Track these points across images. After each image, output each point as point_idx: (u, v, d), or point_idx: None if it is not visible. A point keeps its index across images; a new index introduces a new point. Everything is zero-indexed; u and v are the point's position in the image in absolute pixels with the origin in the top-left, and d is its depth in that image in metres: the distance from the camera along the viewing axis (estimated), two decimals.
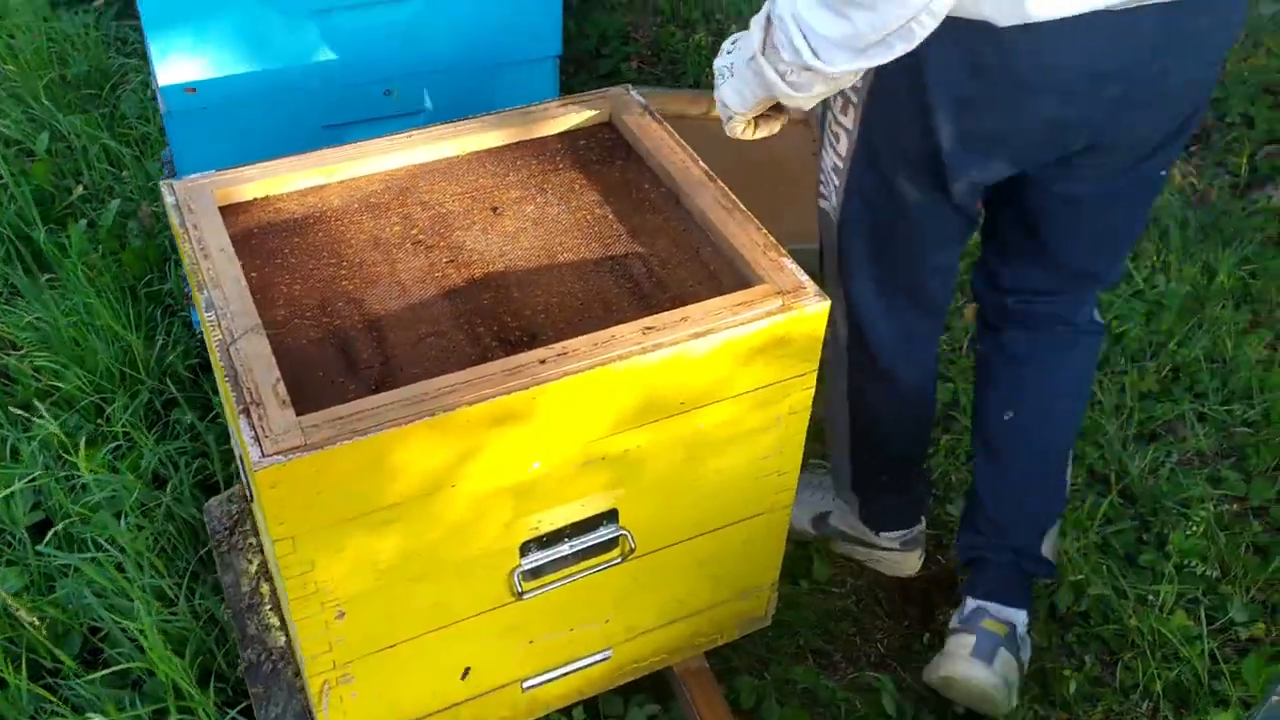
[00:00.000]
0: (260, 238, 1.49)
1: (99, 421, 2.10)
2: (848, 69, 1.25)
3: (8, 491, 1.85)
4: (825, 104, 1.55)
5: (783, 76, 1.31)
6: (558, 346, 1.31)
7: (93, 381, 2.11)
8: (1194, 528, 2.14)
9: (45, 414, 2.02)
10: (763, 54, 1.31)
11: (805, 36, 1.24)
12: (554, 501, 1.40)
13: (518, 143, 1.66)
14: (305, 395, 1.27)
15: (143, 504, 1.94)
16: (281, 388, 1.24)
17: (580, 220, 1.54)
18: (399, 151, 1.59)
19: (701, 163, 1.58)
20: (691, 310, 1.36)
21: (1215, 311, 2.57)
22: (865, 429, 1.81)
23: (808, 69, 1.27)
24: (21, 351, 2.16)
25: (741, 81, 1.41)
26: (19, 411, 2.07)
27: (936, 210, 1.54)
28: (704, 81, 3.25)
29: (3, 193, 2.57)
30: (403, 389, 1.25)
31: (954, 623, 1.81)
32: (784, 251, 1.45)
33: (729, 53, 1.45)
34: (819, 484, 2.03)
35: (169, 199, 1.50)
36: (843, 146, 1.54)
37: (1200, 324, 2.55)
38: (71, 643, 1.75)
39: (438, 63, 1.96)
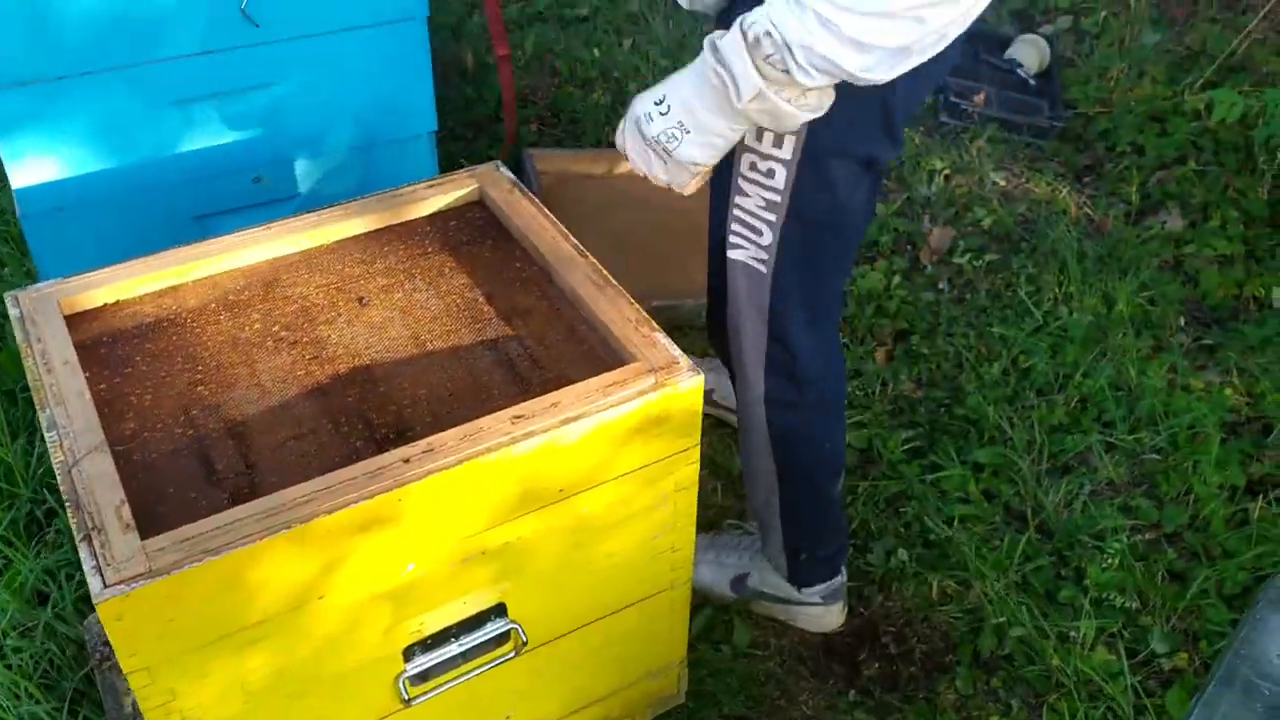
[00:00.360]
0: (110, 346, 1.42)
1: None
2: (893, 74, 1.24)
3: None
4: (730, 155, 1.48)
5: (795, 102, 1.27)
6: (422, 443, 1.26)
7: None
8: (1110, 560, 2.13)
9: None
10: (768, 90, 1.25)
11: (838, 56, 1.20)
12: (435, 602, 1.34)
13: (385, 228, 1.61)
14: (154, 516, 1.21)
15: (22, 624, 1.84)
16: (126, 510, 1.17)
17: (450, 305, 1.50)
18: (259, 245, 1.54)
19: (572, 239, 1.55)
20: (562, 395, 1.32)
21: (1118, 340, 2.59)
22: (795, 470, 1.76)
23: (830, 88, 1.26)
24: None
25: (706, 134, 1.33)
26: None
27: (871, 203, 1.54)
28: (605, 139, 3.23)
29: None
30: (257, 501, 1.19)
31: None
32: (656, 326, 1.41)
33: (662, 114, 1.35)
34: (736, 545, 2.00)
35: (13, 311, 1.43)
36: (778, 179, 1.46)
37: (1104, 353, 2.56)
38: None
39: (307, 146, 1.92)
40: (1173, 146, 3.12)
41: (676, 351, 1.38)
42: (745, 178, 1.49)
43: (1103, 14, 3.61)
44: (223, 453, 1.29)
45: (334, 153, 1.94)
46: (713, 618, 2.01)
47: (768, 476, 1.76)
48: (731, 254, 1.56)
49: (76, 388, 1.31)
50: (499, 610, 1.41)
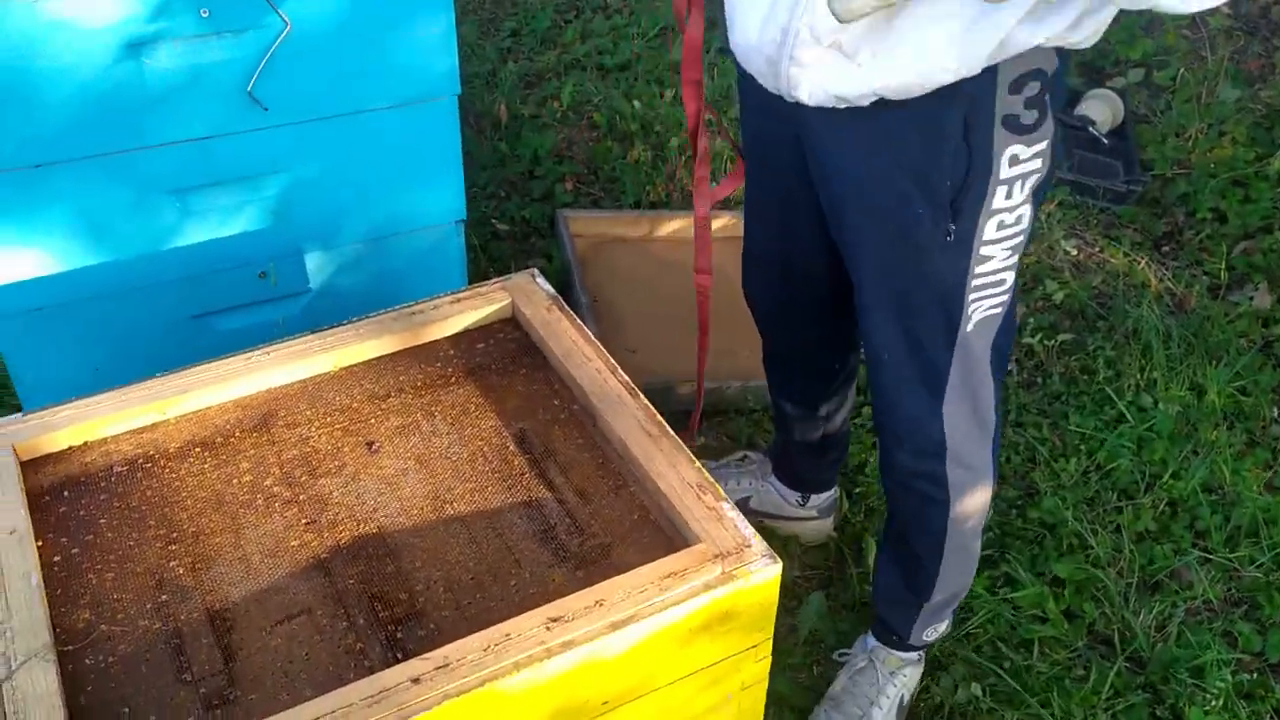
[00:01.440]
0: (70, 504, 1.19)
1: None
2: None
3: None
4: (974, 221, 1.31)
5: None
6: (437, 655, 1.02)
7: None
8: (1212, 700, 1.87)
9: None
10: None
11: None
12: None
13: (402, 350, 1.38)
14: None
15: None
16: None
17: (475, 453, 1.26)
18: (254, 374, 1.31)
19: (621, 373, 1.31)
20: (608, 590, 1.07)
21: (1209, 434, 2.33)
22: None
23: None
24: None
25: None
26: None
27: None
28: (645, 200, 3.00)
29: None
30: None
31: None
32: (722, 494, 1.17)
33: None
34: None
35: None
36: (1025, 220, 1.34)
37: (1195, 450, 2.30)
38: None
39: (320, 238, 1.69)
40: (1257, 214, 2.87)
41: (748, 530, 1.13)
42: (991, 241, 1.33)
43: (1179, 69, 3.35)
44: (192, 654, 1.05)
45: (349, 245, 1.71)
46: None
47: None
48: (969, 325, 1.39)
49: (23, 568, 1.08)
50: None
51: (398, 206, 1.71)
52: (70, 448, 1.25)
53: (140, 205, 1.57)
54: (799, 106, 1.31)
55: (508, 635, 1.03)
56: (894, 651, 1.79)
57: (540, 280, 1.44)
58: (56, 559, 1.13)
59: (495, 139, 3.18)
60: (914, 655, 1.80)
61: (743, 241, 1.79)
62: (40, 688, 0.98)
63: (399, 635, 1.08)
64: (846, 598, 2.03)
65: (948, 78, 1.19)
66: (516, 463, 1.25)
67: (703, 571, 1.09)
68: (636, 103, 3.32)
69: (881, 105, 1.25)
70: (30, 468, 1.22)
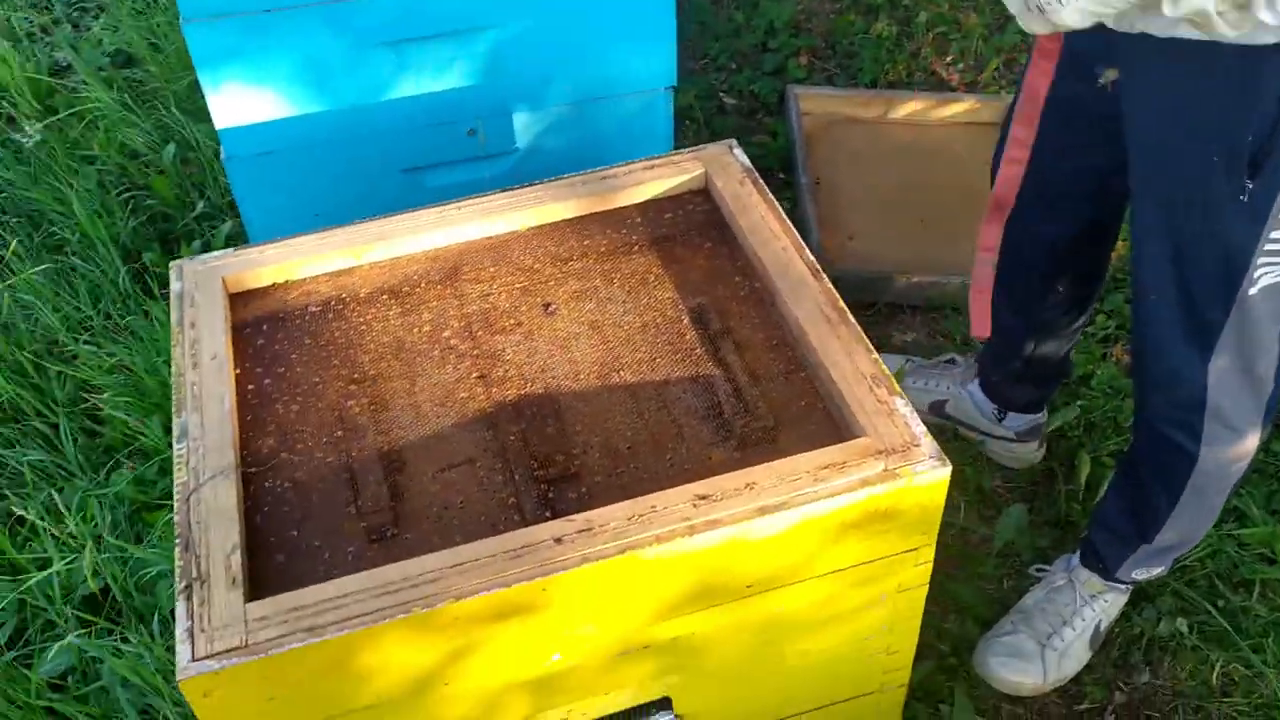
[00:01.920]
0: (268, 337, 1.26)
1: None
2: None
3: (64, 565, 1.72)
4: (1274, 183, 1.18)
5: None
6: (580, 519, 1.02)
7: (170, 437, 1.97)
8: None
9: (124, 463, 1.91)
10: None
11: None
12: (586, 694, 1.12)
13: (589, 215, 1.36)
14: (269, 569, 1.04)
15: None
16: (236, 560, 1.01)
17: (649, 324, 1.24)
18: (444, 227, 1.33)
19: (808, 254, 1.25)
20: (760, 473, 1.04)
21: None
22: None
23: None
24: (108, 395, 2.05)
25: (1098, 4, 1.06)
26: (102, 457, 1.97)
27: None
28: (882, 80, 2.84)
29: (122, 209, 2.48)
30: (377, 571, 0.99)
31: None
32: (895, 388, 1.10)
33: None
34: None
35: (175, 285, 1.29)
36: None
37: None
38: None
39: (529, 98, 1.68)
40: None
41: (919, 429, 1.06)
42: None
43: None
44: (364, 487, 1.10)
45: (557, 106, 1.70)
46: (933, 671, 1.71)
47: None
48: (1254, 289, 1.26)
49: (219, 392, 1.16)
50: (663, 704, 1.17)
51: (608, 69, 1.67)
52: (273, 285, 1.31)
53: (359, 56, 1.60)
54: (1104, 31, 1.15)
55: (653, 507, 1.02)
56: (1097, 577, 1.67)
57: (737, 152, 1.38)
58: (250, 387, 1.21)
59: (731, 7, 3.07)
60: (1121, 585, 1.68)
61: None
62: (223, 502, 1.06)
63: (551, 495, 1.09)
64: (1050, 514, 1.91)
65: (1270, 38, 1.04)
66: (689, 336, 1.22)
67: (863, 466, 1.04)
68: None
69: (1185, 45, 1.10)
70: (237, 301, 1.30)
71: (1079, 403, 2.06)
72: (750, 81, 2.88)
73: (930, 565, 1.13)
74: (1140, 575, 1.65)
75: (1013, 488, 1.96)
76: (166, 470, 1.97)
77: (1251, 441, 1.42)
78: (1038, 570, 1.76)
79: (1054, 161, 1.45)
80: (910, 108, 2.69)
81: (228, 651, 0.95)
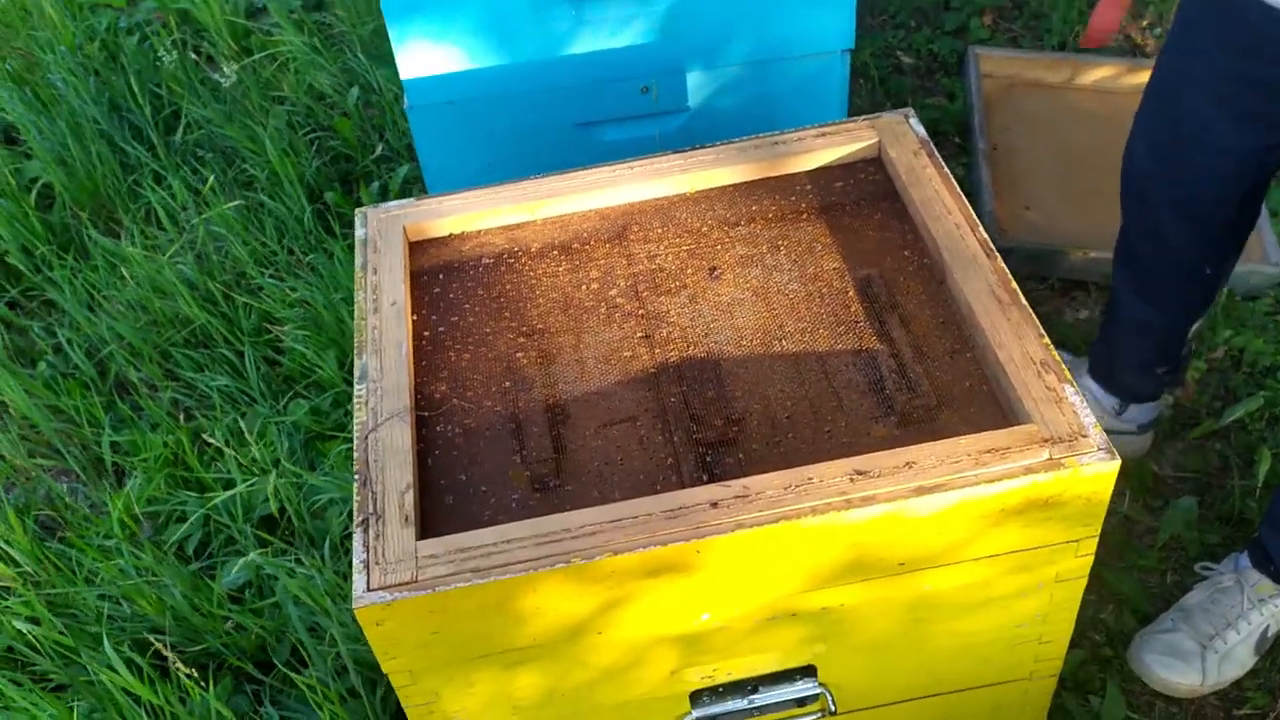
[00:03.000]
0: (444, 286, 1.31)
1: (348, 408, 2.06)
2: None
3: (243, 488, 1.84)
4: None
5: None
6: (738, 484, 1.04)
7: (344, 372, 2.07)
8: None
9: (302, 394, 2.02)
10: None
11: None
12: (732, 654, 1.15)
13: (759, 180, 1.36)
14: (440, 509, 1.09)
15: None
16: (409, 499, 1.07)
17: (814, 293, 1.24)
18: (615, 187, 1.35)
19: (981, 230, 1.22)
20: (921, 452, 1.03)
21: None
22: None
23: None
24: (289, 328, 2.16)
25: None
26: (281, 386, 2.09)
27: None
28: (1071, 43, 2.72)
29: (308, 149, 2.59)
30: (540, 520, 1.03)
31: None
32: (1066, 375, 1.07)
33: None
34: None
35: (359, 231, 1.35)
36: None
37: None
38: (282, 650, 1.72)
39: (703, 57, 1.68)
40: None
41: (1088, 419, 1.04)
42: None
43: None
44: (529, 438, 1.14)
45: (731, 66, 1.69)
46: (1086, 661, 1.68)
47: None
48: None
49: (397, 337, 1.21)
50: (807, 671, 1.19)
51: (784, 29, 1.66)
52: (450, 235, 1.36)
53: (539, 10, 1.63)
54: None
55: (810, 479, 1.03)
56: (1269, 580, 1.60)
57: (913, 121, 1.35)
58: (425, 334, 1.26)
59: None
60: None
61: (1149, 109, 1.55)
62: (398, 443, 1.11)
63: (708, 458, 1.11)
64: (1223, 509, 1.83)
65: None
66: (854, 309, 1.21)
67: (1027, 454, 1.02)
68: None
69: None
70: (416, 249, 1.35)
71: (1263, 393, 1.96)
72: (929, 40, 2.80)
73: (1091, 557, 1.11)
74: None
75: (1183, 478, 1.88)
76: (340, 402, 2.07)
77: None
78: (1203, 569, 1.69)
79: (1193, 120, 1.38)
80: (1099, 73, 2.56)
81: (399, 585, 1.00)
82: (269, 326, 2.21)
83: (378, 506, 1.07)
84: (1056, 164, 2.36)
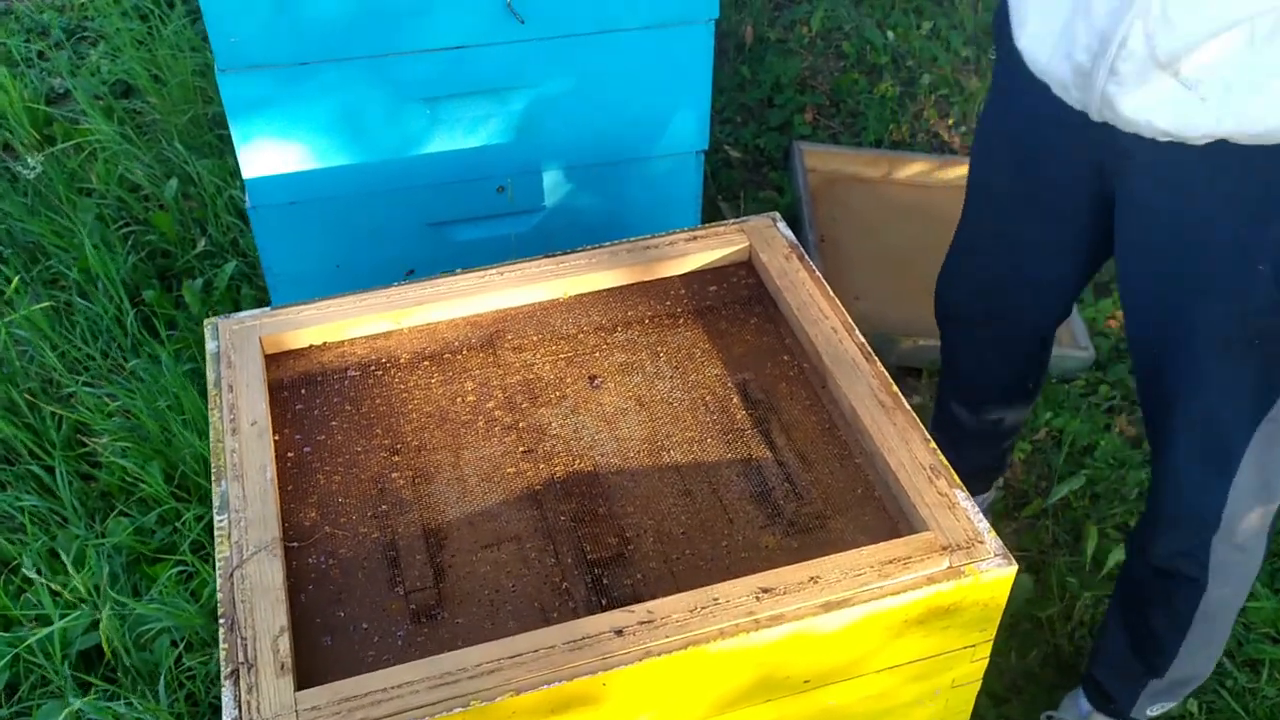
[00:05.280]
0: (307, 402, 1.23)
1: (177, 525, 1.90)
2: None
3: (61, 624, 1.66)
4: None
5: None
6: (641, 609, 0.99)
7: (171, 486, 1.92)
8: None
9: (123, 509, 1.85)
10: None
11: None
12: None
13: (633, 284, 1.35)
14: (317, 652, 1.00)
15: (203, 638, 1.73)
16: (285, 643, 0.97)
17: (698, 401, 1.22)
18: (485, 293, 1.31)
19: (858, 334, 1.24)
20: (824, 566, 1.02)
21: None
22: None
23: None
24: (106, 439, 1.99)
25: None
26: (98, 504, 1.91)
27: None
28: (887, 139, 2.86)
29: (123, 244, 2.43)
30: (432, 660, 0.96)
31: None
32: (956, 480, 1.09)
33: None
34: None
35: (210, 345, 1.25)
36: None
37: None
38: None
39: (560, 157, 1.67)
40: None
41: (982, 524, 1.05)
42: None
43: None
44: (409, 565, 1.07)
45: (588, 167, 1.69)
46: None
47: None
48: None
49: (261, 460, 1.12)
50: None
51: (640, 132, 1.66)
52: (311, 346, 1.28)
53: (393, 111, 1.58)
54: (1107, 128, 1.13)
55: (716, 600, 1.00)
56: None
57: (781, 226, 1.37)
58: (290, 455, 1.17)
59: (738, 61, 3.09)
60: None
61: (954, 245, 1.60)
62: (268, 579, 1.02)
63: (605, 580, 1.06)
64: (1054, 580, 1.91)
65: None
66: (739, 416, 1.20)
67: (928, 563, 1.02)
68: (890, 33, 3.15)
69: (1222, 143, 1.06)
70: (273, 361, 1.26)
71: (1084, 472, 2.06)
72: (756, 136, 2.89)
73: (986, 661, 1.12)
74: (1156, 711, 1.61)
75: (1020, 556, 1.95)
76: (168, 519, 1.92)
77: (1258, 561, 1.38)
78: (1047, 718, 1.72)
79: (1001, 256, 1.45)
80: (913, 169, 2.70)
81: None
82: (83, 438, 2.03)
83: (248, 654, 0.97)
84: (881, 255, 2.45)
